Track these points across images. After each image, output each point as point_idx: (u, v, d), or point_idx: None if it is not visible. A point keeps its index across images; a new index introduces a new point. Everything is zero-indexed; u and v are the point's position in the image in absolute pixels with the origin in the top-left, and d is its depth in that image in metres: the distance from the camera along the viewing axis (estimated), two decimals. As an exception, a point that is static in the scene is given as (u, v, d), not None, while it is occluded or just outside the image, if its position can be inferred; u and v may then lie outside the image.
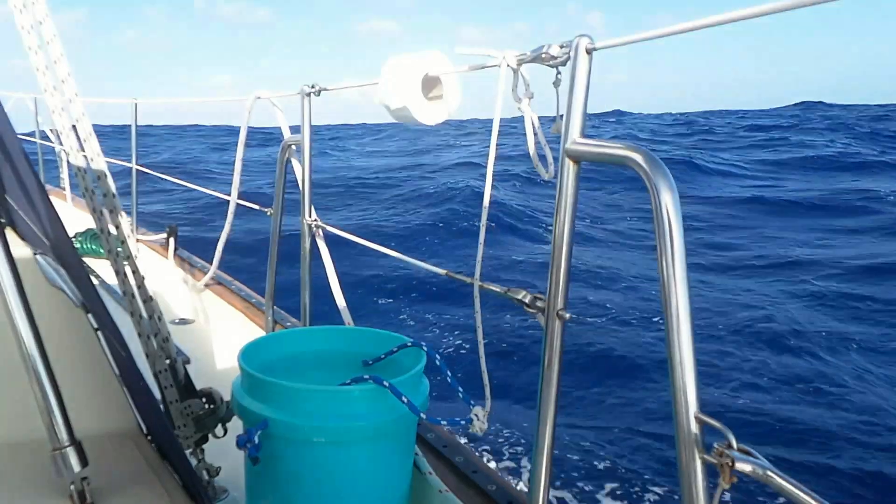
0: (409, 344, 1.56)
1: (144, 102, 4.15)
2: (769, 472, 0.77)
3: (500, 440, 4.30)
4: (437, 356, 1.51)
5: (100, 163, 1.39)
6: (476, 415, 1.47)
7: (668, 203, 0.91)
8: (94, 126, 1.39)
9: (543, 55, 1.14)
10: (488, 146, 1.33)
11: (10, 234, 1.59)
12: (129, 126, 4.22)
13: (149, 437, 1.45)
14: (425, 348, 1.51)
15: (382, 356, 1.59)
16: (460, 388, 1.48)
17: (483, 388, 1.45)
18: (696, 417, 0.86)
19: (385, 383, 1.30)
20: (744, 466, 0.79)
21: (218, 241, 3.21)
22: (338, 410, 1.30)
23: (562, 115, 1.11)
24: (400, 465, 1.43)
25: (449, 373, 1.48)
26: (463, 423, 1.42)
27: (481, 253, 1.35)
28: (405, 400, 1.29)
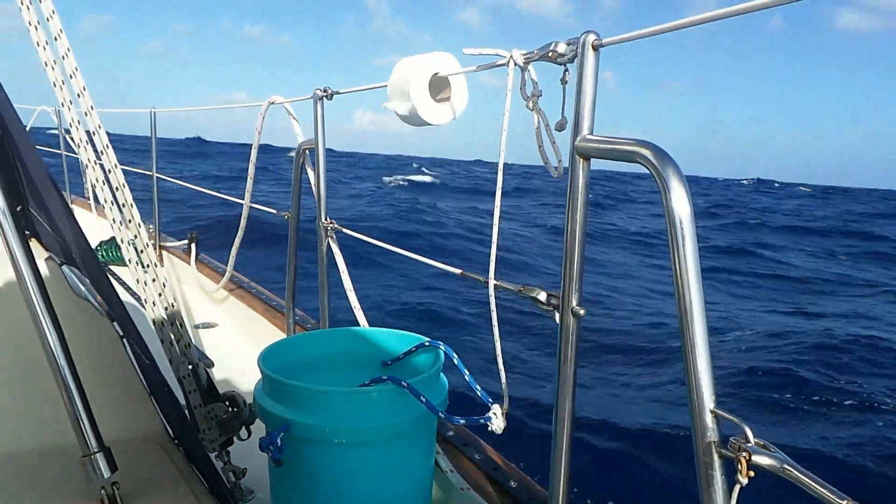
0: (427, 343, 1.57)
1: (162, 111, 4.21)
2: (786, 466, 0.77)
3: (519, 437, 4.30)
4: (455, 355, 1.52)
5: (118, 173, 1.41)
6: (494, 413, 1.48)
7: (680, 198, 0.91)
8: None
9: (550, 53, 1.14)
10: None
11: (36, 246, 1.62)
12: (149, 134, 4.28)
13: (175, 442, 1.47)
14: (443, 347, 1.52)
15: (401, 356, 1.60)
16: (478, 387, 1.49)
17: (500, 385, 1.46)
18: (712, 412, 0.86)
19: (403, 383, 1.31)
20: (761, 460, 0.79)
21: (236, 247, 3.25)
22: (357, 411, 1.32)
23: (565, 114, 1.11)
24: (421, 464, 1.44)
25: (466, 371, 1.49)
26: (481, 421, 1.43)
27: (495, 252, 1.36)
28: (423, 399, 1.30)
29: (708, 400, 0.86)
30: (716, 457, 0.86)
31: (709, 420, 0.86)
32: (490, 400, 1.50)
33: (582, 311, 1.14)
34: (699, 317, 0.87)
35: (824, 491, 0.73)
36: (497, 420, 1.48)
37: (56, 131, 5.76)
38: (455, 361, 1.51)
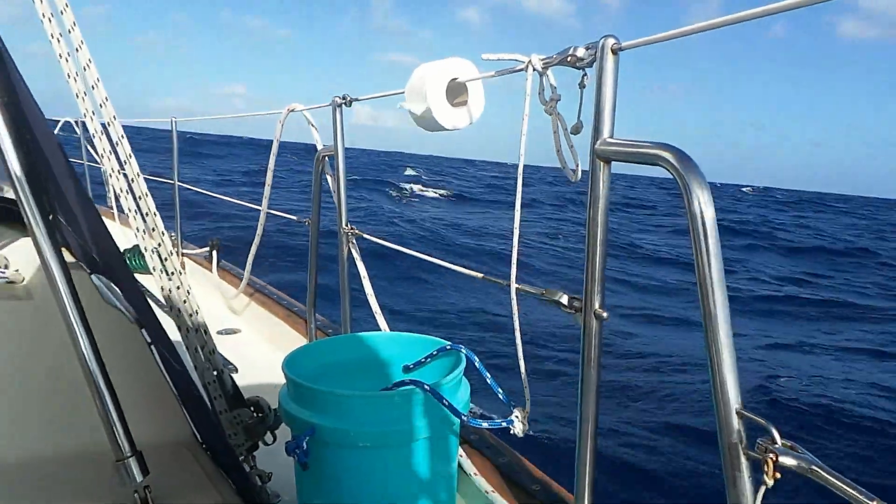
0: (449, 347, 1.58)
1: (183, 121, 4.27)
2: (814, 467, 0.77)
3: (544, 440, 4.29)
4: (476, 358, 1.52)
5: (140, 182, 1.44)
6: (517, 416, 1.48)
7: (702, 201, 0.91)
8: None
9: (569, 57, 1.14)
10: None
11: (66, 255, 1.66)
12: (173, 141, 4.35)
13: (204, 446, 1.50)
14: (464, 351, 1.53)
15: (423, 360, 1.62)
16: (500, 390, 1.49)
17: (522, 389, 1.46)
18: (738, 413, 0.86)
19: (426, 387, 1.32)
20: (788, 461, 0.78)
21: (254, 253, 3.29)
22: (381, 415, 1.33)
23: (582, 117, 1.12)
24: (444, 468, 1.45)
25: (488, 375, 1.50)
26: (503, 424, 1.43)
27: (516, 255, 1.36)
28: (446, 403, 1.31)
29: (734, 401, 0.86)
30: (742, 458, 0.85)
31: (735, 421, 0.86)
32: (512, 403, 1.51)
33: (605, 314, 1.15)
34: (723, 318, 0.87)
35: (853, 492, 0.73)
36: (518, 423, 1.49)
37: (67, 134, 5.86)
38: (476, 365, 1.52)
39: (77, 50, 1.34)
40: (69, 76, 1.34)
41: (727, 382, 0.87)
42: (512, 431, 1.50)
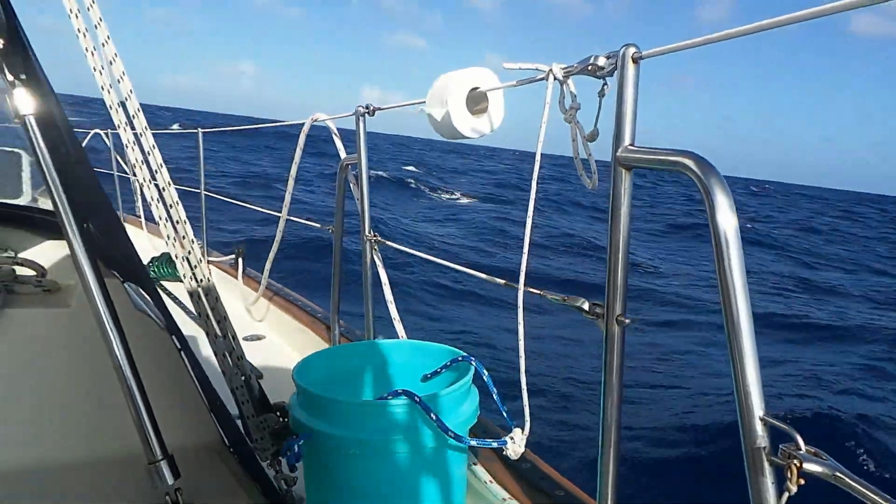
0: (461, 359, 1.58)
1: (208, 132, 4.35)
2: (839, 473, 0.77)
3: (566, 446, 4.27)
4: (485, 372, 1.52)
5: (171, 192, 1.48)
6: (512, 437, 1.47)
7: (724, 207, 0.91)
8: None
9: (590, 66, 1.15)
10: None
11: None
12: (196, 150, 4.43)
13: (232, 450, 1.53)
14: (474, 363, 1.52)
15: (439, 370, 1.62)
16: (504, 408, 1.49)
17: (523, 407, 1.46)
18: (762, 419, 0.86)
19: (416, 398, 1.31)
20: (812, 467, 0.78)
21: (276, 259, 3.33)
22: (374, 423, 1.33)
23: (601, 125, 1.13)
24: (449, 476, 1.44)
25: (495, 391, 1.50)
26: (495, 445, 1.42)
27: (525, 262, 1.37)
28: (434, 417, 1.29)
29: (757, 407, 0.86)
30: (766, 464, 0.85)
31: (758, 427, 0.86)
32: (513, 423, 1.50)
33: (627, 320, 1.15)
34: (746, 324, 0.88)
35: (878, 499, 0.73)
36: (513, 445, 1.47)
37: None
38: (484, 379, 1.52)
39: (111, 63, 1.39)
40: (102, 88, 1.39)
41: (751, 389, 0.87)
42: (504, 453, 1.50)
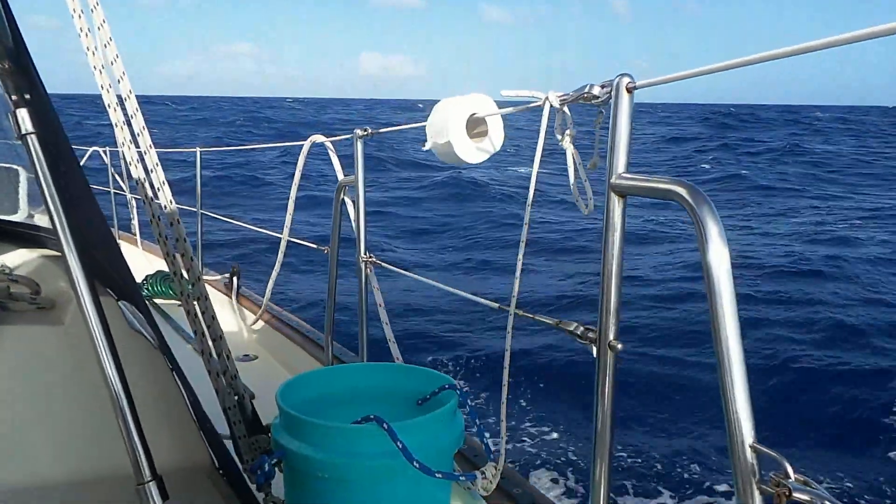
0: (447, 386, 1.56)
1: (206, 150, 4.38)
2: (827, 502, 0.77)
3: (559, 472, 4.24)
4: (468, 402, 1.50)
5: (172, 209, 1.49)
6: (483, 471, 1.45)
7: (715, 235, 0.93)
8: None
9: (585, 95, 1.18)
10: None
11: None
12: (194, 171, 4.46)
13: (221, 472, 1.52)
14: (458, 392, 1.50)
15: (429, 396, 1.60)
16: (486, 440, 1.48)
17: (500, 439, 1.45)
18: (752, 447, 0.87)
19: (385, 424, 1.28)
20: (801, 496, 0.79)
21: (276, 280, 3.33)
22: (343, 447, 1.31)
23: (602, 153, 1.15)
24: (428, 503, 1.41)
25: (478, 421, 1.49)
26: (462, 478, 1.39)
27: (517, 286, 1.38)
28: (400, 445, 1.27)
29: (748, 435, 0.87)
30: (756, 492, 0.86)
31: (749, 455, 0.87)
32: (492, 455, 1.49)
33: (619, 346, 1.16)
34: (737, 352, 0.88)
35: None
36: (484, 481, 1.45)
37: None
38: (468, 409, 1.50)
39: (119, 81, 1.41)
40: (108, 105, 1.41)
41: (741, 416, 0.88)
42: (471, 488, 1.47)
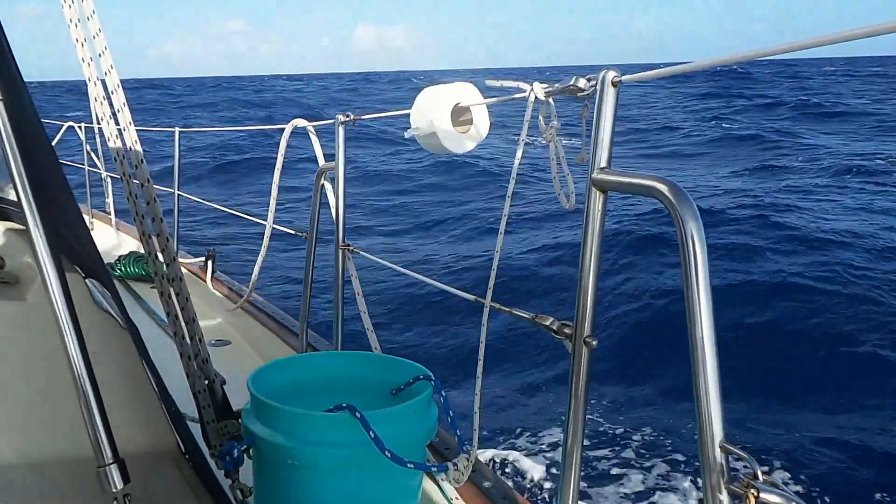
0: (422, 377, 1.55)
1: (185, 131, 4.31)
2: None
3: (529, 464, 4.27)
4: (442, 392, 1.49)
5: (150, 189, 1.46)
6: (455, 463, 1.43)
7: (694, 233, 0.92)
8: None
9: (571, 87, 1.17)
10: None
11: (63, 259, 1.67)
12: (172, 154, 4.38)
13: (187, 457, 1.49)
14: (433, 382, 1.49)
15: (402, 387, 1.59)
16: (458, 431, 1.47)
17: (473, 431, 1.44)
18: (722, 447, 0.87)
19: (357, 413, 1.27)
20: (769, 498, 0.79)
21: (254, 265, 3.30)
22: (312, 434, 1.29)
23: (588, 145, 1.14)
24: (398, 495, 1.40)
25: (451, 413, 1.48)
26: (434, 469, 1.38)
27: (493, 278, 1.37)
28: (373, 435, 1.25)
29: (718, 434, 0.87)
30: (724, 492, 0.86)
31: (718, 455, 0.87)
32: (465, 448, 1.48)
33: (594, 342, 1.16)
34: (710, 350, 0.88)
35: None
36: (455, 472, 1.44)
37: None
38: (441, 400, 1.49)
39: (100, 56, 1.37)
40: (89, 79, 1.37)
41: (712, 415, 0.88)
42: (442, 479, 1.47)
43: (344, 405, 1.30)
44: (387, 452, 1.26)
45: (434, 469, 1.38)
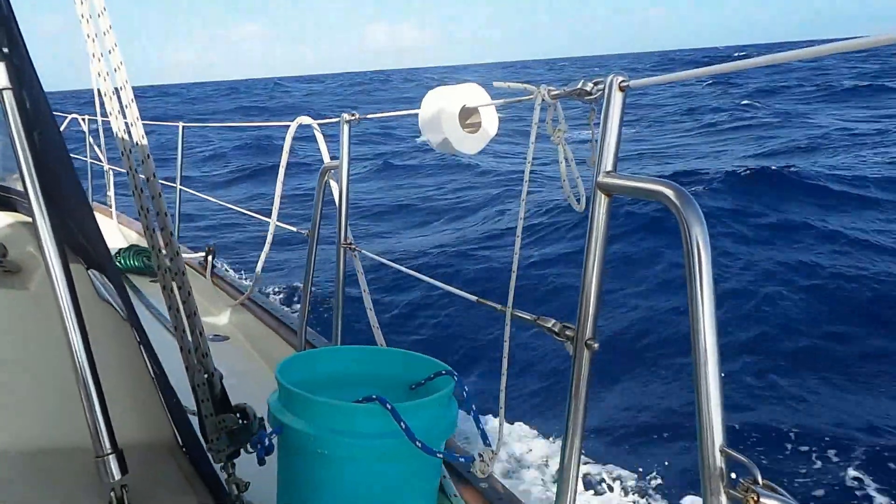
0: (444, 372, 1.57)
1: (189, 126, 4.31)
2: None
3: (527, 466, 4.26)
4: (465, 388, 1.51)
5: (155, 183, 1.46)
6: (481, 454, 1.46)
7: (699, 238, 0.93)
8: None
9: (578, 91, 1.17)
10: None
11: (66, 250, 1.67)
12: (176, 146, 4.38)
13: (184, 450, 1.49)
14: (456, 377, 1.52)
15: (423, 381, 1.61)
16: (482, 425, 1.49)
17: (499, 428, 1.45)
18: (722, 451, 0.87)
19: (388, 405, 1.30)
20: (769, 502, 0.79)
21: (257, 262, 3.30)
22: (343, 424, 1.32)
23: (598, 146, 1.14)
24: (419, 487, 1.43)
25: (474, 407, 1.49)
26: (461, 460, 1.41)
27: (514, 280, 1.38)
28: (404, 426, 1.28)
29: (718, 438, 0.87)
30: (724, 497, 0.86)
31: (718, 459, 0.87)
32: (489, 441, 1.49)
33: (596, 345, 1.16)
34: (713, 355, 0.89)
35: None
36: (481, 463, 1.46)
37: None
38: (464, 395, 1.51)
39: (110, 52, 1.37)
40: (98, 74, 1.37)
41: (713, 420, 0.88)
42: (471, 470, 1.49)
43: (374, 396, 1.34)
44: (417, 443, 1.29)
45: (462, 460, 1.41)
